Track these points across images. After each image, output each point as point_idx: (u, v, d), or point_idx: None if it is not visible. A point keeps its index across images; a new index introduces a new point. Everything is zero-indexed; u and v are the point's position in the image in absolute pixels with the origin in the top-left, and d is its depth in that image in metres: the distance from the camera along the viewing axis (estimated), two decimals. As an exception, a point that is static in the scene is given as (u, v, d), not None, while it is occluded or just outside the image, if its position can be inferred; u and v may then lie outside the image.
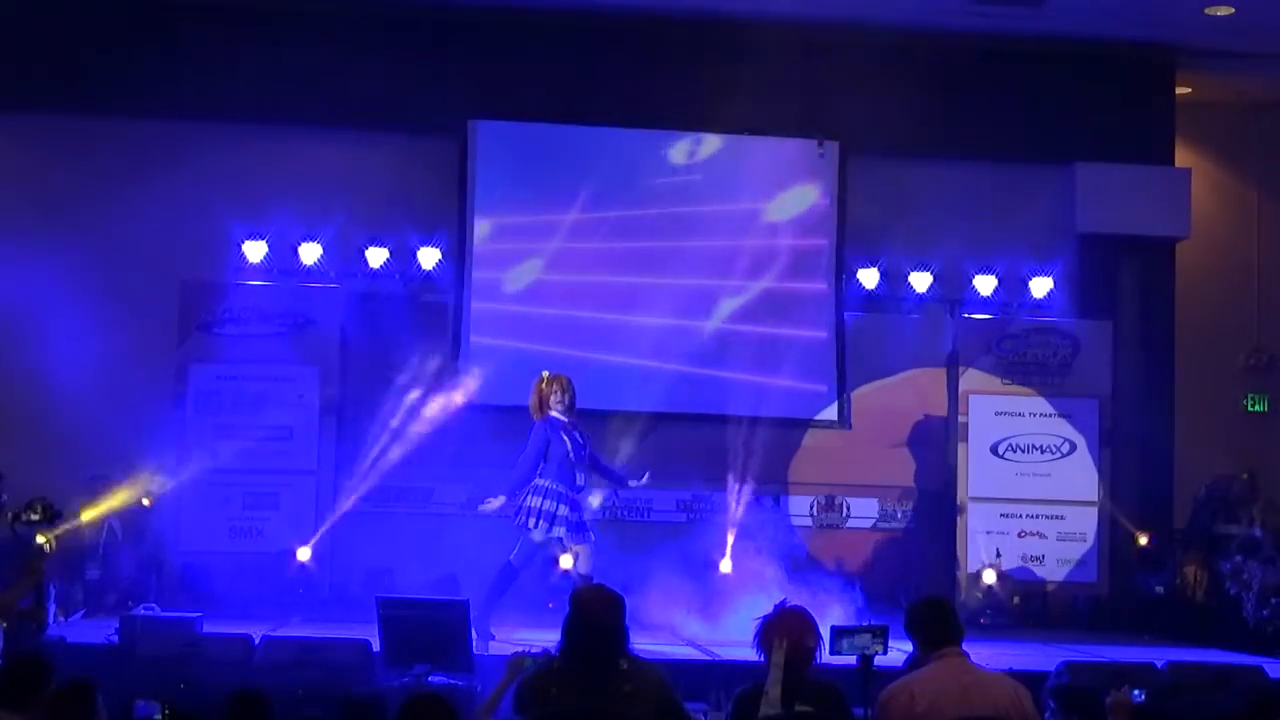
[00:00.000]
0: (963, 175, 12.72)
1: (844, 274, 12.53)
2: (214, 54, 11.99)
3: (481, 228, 12.31)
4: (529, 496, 8.89)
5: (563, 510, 8.82)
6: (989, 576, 11.98)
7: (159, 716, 5.10)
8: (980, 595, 11.92)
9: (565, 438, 8.91)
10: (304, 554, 11.35)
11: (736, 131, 12.48)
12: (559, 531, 8.83)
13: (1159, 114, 13.09)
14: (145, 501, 11.21)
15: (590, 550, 8.99)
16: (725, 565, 10.95)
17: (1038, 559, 12.34)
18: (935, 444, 12.70)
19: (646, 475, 9.39)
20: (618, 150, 12.48)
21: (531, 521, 8.84)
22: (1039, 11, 12.08)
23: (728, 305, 12.36)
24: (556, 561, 9.55)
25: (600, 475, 9.43)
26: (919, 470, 12.66)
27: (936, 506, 12.56)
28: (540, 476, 8.90)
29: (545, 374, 9.14)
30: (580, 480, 8.94)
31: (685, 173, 12.49)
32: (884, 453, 12.63)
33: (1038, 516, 12.40)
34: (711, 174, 12.50)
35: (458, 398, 11.93)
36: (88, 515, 10.21)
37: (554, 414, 8.96)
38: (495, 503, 8.99)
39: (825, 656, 5.36)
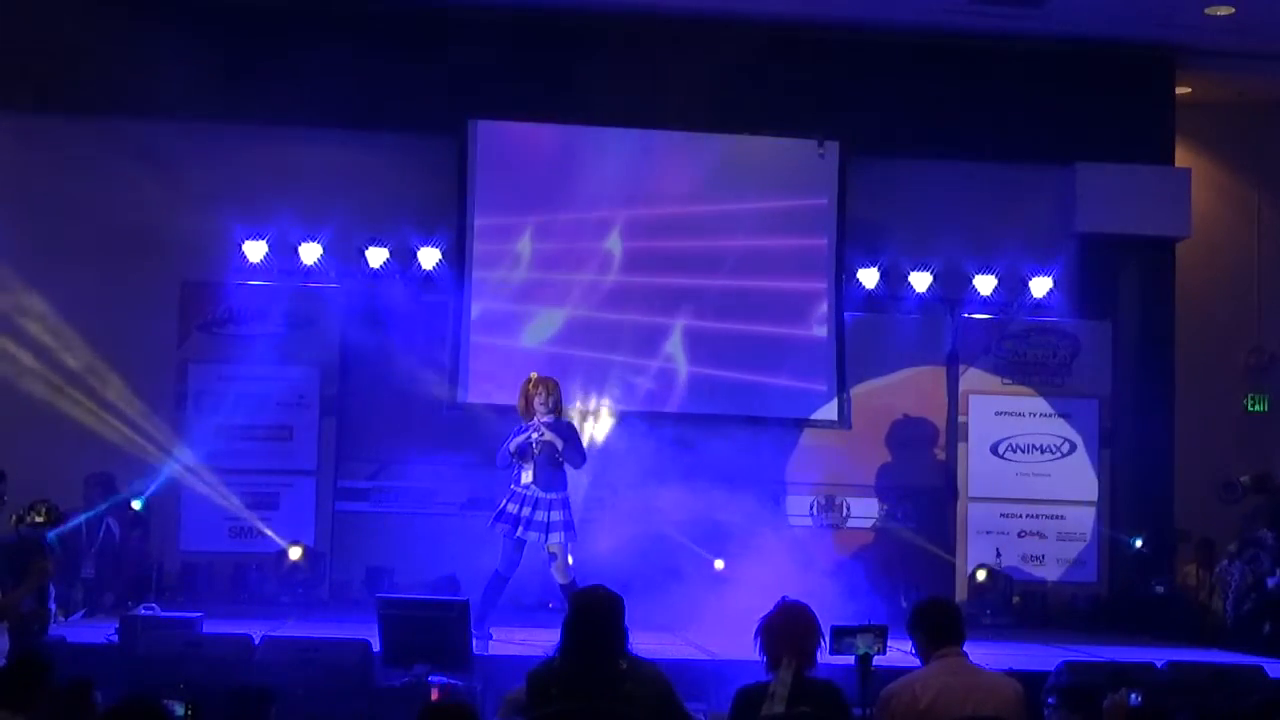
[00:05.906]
0: (963, 175, 12.72)
1: (844, 274, 12.52)
2: (214, 54, 11.94)
3: (481, 227, 12.30)
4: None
5: (511, 508, 8.79)
6: (987, 576, 11.98)
7: (182, 713, 5.09)
8: (980, 595, 11.92)
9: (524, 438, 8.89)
10: (295, 554, 11.34)
11: (737, 131, 12.48)
12: (501, 528, 8.83)
13: (1159, 114, 13.09)
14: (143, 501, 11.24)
15: (561, 550, 8.87)
16: (718, 563, 10.97)
17: (1038, 559, 12.35)
18: (935, 444, 12.70)
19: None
20: (617, 150, 12.46)
21: (492, 522, 8.93)
22: (1039, 11, 12.09)
23: (727, 305, 12.35)
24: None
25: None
26: (919, 470, 12.65)
27: (936, 506, 12.56)
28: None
29: (533, 375, 9.13)
30: (527, 479, 8.78)
31: (685, 173, 12.47)
32: (884, 452, 12.63)
33: (1038, 516, 12.42)
34: (711, 174, 12.48)
35: (457, 398, 11.95)
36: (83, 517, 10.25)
37: (537, 416, 8.95)
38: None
39: (826, 656, 5.36)
